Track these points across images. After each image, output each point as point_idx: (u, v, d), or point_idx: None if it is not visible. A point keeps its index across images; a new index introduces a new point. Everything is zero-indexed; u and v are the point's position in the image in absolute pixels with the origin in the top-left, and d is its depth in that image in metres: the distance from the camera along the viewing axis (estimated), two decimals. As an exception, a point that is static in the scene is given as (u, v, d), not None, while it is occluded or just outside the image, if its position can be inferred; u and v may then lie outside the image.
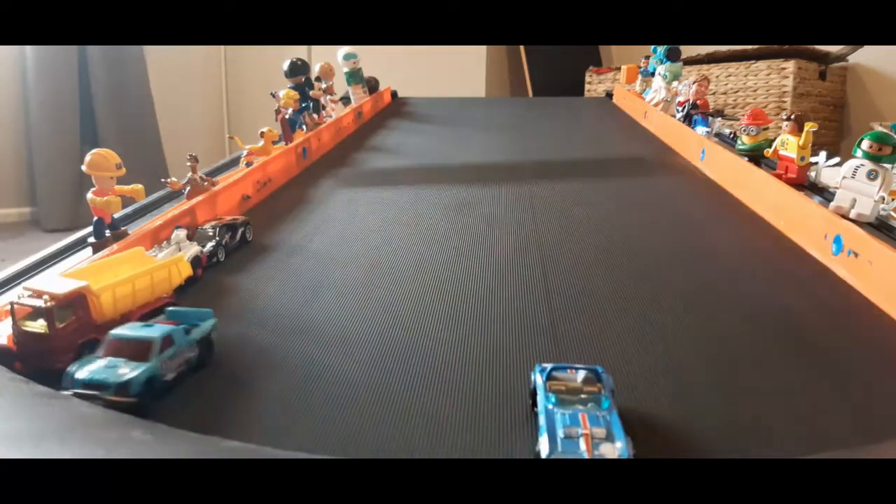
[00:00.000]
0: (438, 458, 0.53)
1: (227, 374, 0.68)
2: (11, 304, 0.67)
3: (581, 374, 0.59)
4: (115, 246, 0.87)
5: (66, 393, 0.59)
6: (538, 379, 0.59)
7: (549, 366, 0.60)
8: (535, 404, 0.58)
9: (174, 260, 0.83)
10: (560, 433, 0.50)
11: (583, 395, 0.56)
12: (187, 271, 0.85)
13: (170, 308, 0.74)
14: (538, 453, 0.50)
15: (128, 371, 0.60)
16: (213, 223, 1.04)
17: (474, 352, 0.73)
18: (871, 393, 0.66)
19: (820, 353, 0.73)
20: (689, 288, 0.92)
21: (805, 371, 0.69)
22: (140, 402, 0.59)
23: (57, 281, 0.70)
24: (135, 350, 0.62)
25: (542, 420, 0.53)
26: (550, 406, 0.54)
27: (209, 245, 0.98)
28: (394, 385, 0.66)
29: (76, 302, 0.68)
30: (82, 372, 0.61)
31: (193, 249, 0.93)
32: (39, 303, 0.66)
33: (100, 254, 0.88)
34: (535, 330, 0.78)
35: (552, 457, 0.48)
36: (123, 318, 0.72)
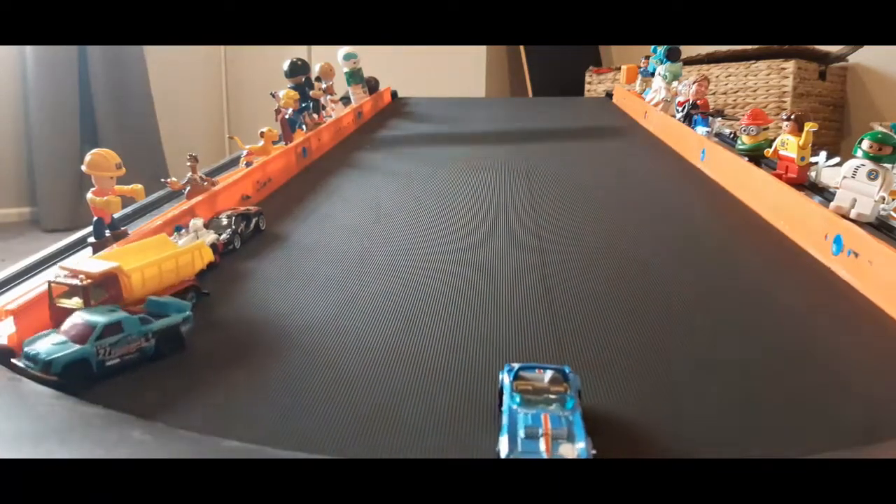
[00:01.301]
0: (391, 458, 0.52)
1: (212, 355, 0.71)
2: (49, 282, 0.72)
3: (548, 374, 0.58)
4: (114, 246, 0.87)
5: (15, 362, 0.63)
6: (505, 379, 0.59)
7: (516, 366, 0.60)
8: (501, 404, 0.58)
9: (197, 245, 0.87)
10: (521, 433, 0.50)
11: (548, 396, 0.56)
12: (209, 256, 0.89)
13: (150, 297, 0.75)
14: (498, 453, 0.50)
15: (58, 351, 0.63)
16: (227, 213, 1.08)
17: (463, 350, 0.73)
18: (871, 393, 0.66)
19: (819, 353, 0.73)
20: (687, 287, 0.91)
21: (804, 371, 0.69)
22: (63, 381, 0.61)
23: (90, 262, 0.75)
24: (81, 332, 0.65)
25: (504, 420, 0.53)
26: (514, 406, 0.54)
27: (225, 233, 1.02)
28: (384, 382, 0.66)
29: (109, 281, 0.73)
30: (32, 345, 0.64)
31: (211, 237, 0.97)
32: (76, 281, 0.71)
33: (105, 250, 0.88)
34: (535, 330, 0.78)
35: (511, 457, 0.48)
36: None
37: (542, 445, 0.49)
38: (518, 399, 0.55)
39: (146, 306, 0.74)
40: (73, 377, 0.62)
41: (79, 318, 0.67)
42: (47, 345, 0.64)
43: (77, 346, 0.64)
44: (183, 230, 0.97)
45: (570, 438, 0.50)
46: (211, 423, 0.58)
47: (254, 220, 1.10)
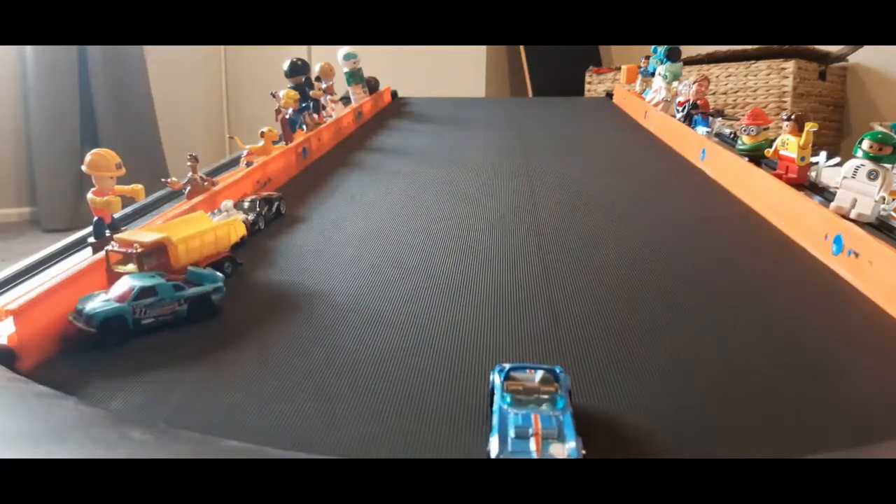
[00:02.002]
0: (375, 458, 0.52)
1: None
2: (106, 250, 0.82)
3: (539, 374, 0.58)
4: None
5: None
6: (496, 379, 0.59)
7: (507, 366, 0.60)
8: (492, 404, 0.58)
9: (232, 221, 0.96)
10: (511, 433, 0.50)
11: (539, 396, 0.56)
12: (242, 231, 0.99)
13: (190, 268, 0.83)
14: (488, 453, 0.50)
15: (100, 307, 0.72)
16: (251, 197, 1.17)
17: (462, 349, 0.73)
18: (870, 393, 0.66)
19: (819, 353, 0.73)
20: (686, 287, 0.92)
21: (804, 371, 0.69)
22: (99, 334, 0.70)
23: (141, 233, 0.85)
24: (122, 293, 0.74)
25: (494, 420, 0.53)
26: (505, 406, 0.54)
27: (252, 215, 1.11)
28: (378, 382, 0.66)
29: (159, 250, 0.83)
30: (83, 301, 0.74)
31: (240, 217, 1.04)
32: (130, 250, 0.81)
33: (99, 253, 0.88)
34: (535, 331, 0.78)
35: (501, 457, 0.48)
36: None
37: (533, 445, 0.49)
38: (509, 399, 0.55)
39: (187, 276, 0.82)
40: (110, 331, 0.72)
41: (122, 282, 0.76)
42: (94, 303, 0.73)
43: (116, 305, 0.73)
44: (216, 210, 1.08)
45: (561, 438, 0.50)
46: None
47: (275, 204, 1.19)
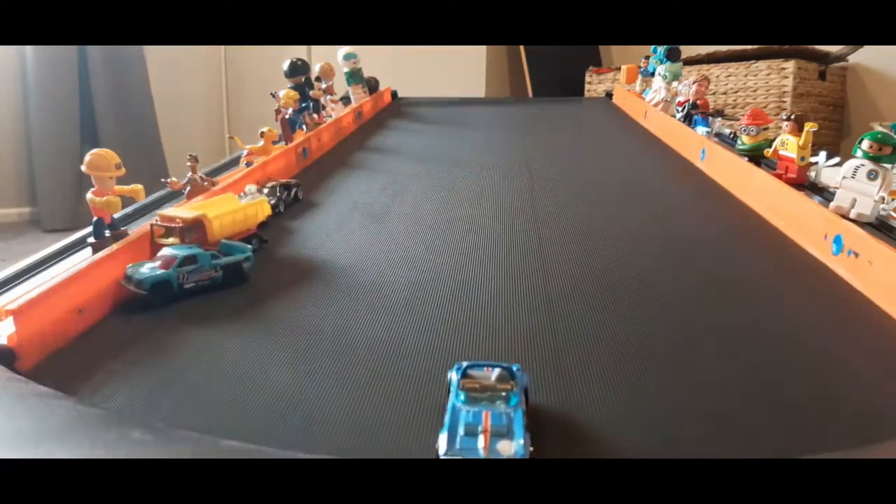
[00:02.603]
0: (317, 458, 0.52)
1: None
2: (151, 224, 0.93)
3: (496, 372, 0.58)
4: (114, 246, 0.87)
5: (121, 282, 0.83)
6: (453, 377, 0.59)
7: (465, 364, 0.60)
8: None
9: (260, 202, 1.07)
10: (461, 430, 0.50)
11: (494, 393, 0.56)
12: (268, 211, 1.09)
13: (223, 241, 0.94)
14: (437, 450, 0.50)
15: (149, 273, 0.82)
16: (271, 184, 1.25)
17: (460, 349, 0.73)
18: (870, 393, 0.66)
19: (819, 353, 0.73)
20: (685, 287, 0.91)
21: (803, 371, 0.69)
22: (149, 296, 0.81)
23: (182, 211, 0.96)
24: (167, 261, 0.85)
25: (446, 417, 0.53)
26: (458, 404, 0.54)
27: (272, 199, 1.19)
28: (371, 383, 0.66)
29: (198, 225, 0.94)
30: (132, 268, 0.84)
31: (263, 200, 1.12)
32: (173, 225, 0.92)
33: (104, 250, 0.88)
34: (534, 331, 0.78)
35: (448, 454, 0.49)
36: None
37: (481, 443, 0.49)
38: (463, 397, 0.55)
39: (220, 247, 0.92)
40: (158, 294, 0.82)
41: (166, 251, 0.87)
42: (143, 269, 0.83)
43: (163, 271, 0.83)
44: (242, 193, 1.17)
45: (509, 435, 0.50)
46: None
47: (294, 190, 1.29)
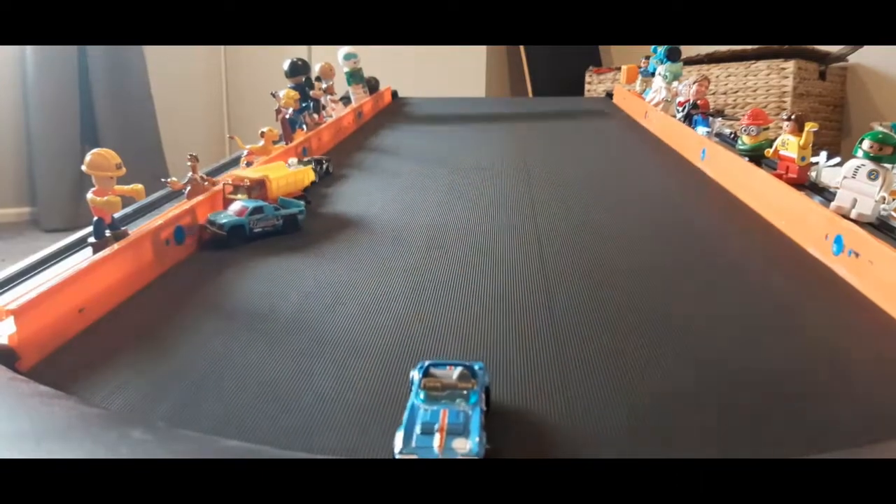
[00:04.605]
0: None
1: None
2: (224, 184, 1.16)
3: (457, 371, 0.58)
4: (115, 246, 0.87)
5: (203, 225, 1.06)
6: (415, 376, 0.59)
7: (427, 363, 0.59)
8: None
9: (306, 169, 1.31)
10: (417, 429, 0.50)
11: (454, 392, 0.56)
12: (311, 177, 1.32)
13: (281, 197, 1.17)
14: (392, 449, 0.50)
15: (227, 218, 1.05)
16: (307, 158, 1.47)
17: (459, 349, 0.73)
18: (871, 393, 0.66)
19: (819, 353, 0.73)
20: (684, 287, 0.91)
21: (803, 371, 0.69)
22: (227, 236, 1.03)
23: (249, 172, 1.20)
24: (240, 211, 1.07)
25: (405, 416, 0.53)
26: (418, 403, 0.54)
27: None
28: (366, 383, 0.66)
29: (262, 184, 1.17)
30: (213, 215, 1.06)
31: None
32: (241, 184, 1.15)
33: (104, 250, 0.88)
34: (533, 332, 0.78)
35: (404, 452, 0.49)
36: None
37: (437, 441, 0.49)
38: (422, 396, 0.55)
39: (279, 202, 1.14)
40: (234, 236, 1.04)
41: (239, 203, 1.09)
42: (222, 216, 1.05)
43: (238, 218, 1.05)
44: (288, 162, 1.36)
45: (465, 434, 0.50)
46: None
47: (325, 165, 1.49)
